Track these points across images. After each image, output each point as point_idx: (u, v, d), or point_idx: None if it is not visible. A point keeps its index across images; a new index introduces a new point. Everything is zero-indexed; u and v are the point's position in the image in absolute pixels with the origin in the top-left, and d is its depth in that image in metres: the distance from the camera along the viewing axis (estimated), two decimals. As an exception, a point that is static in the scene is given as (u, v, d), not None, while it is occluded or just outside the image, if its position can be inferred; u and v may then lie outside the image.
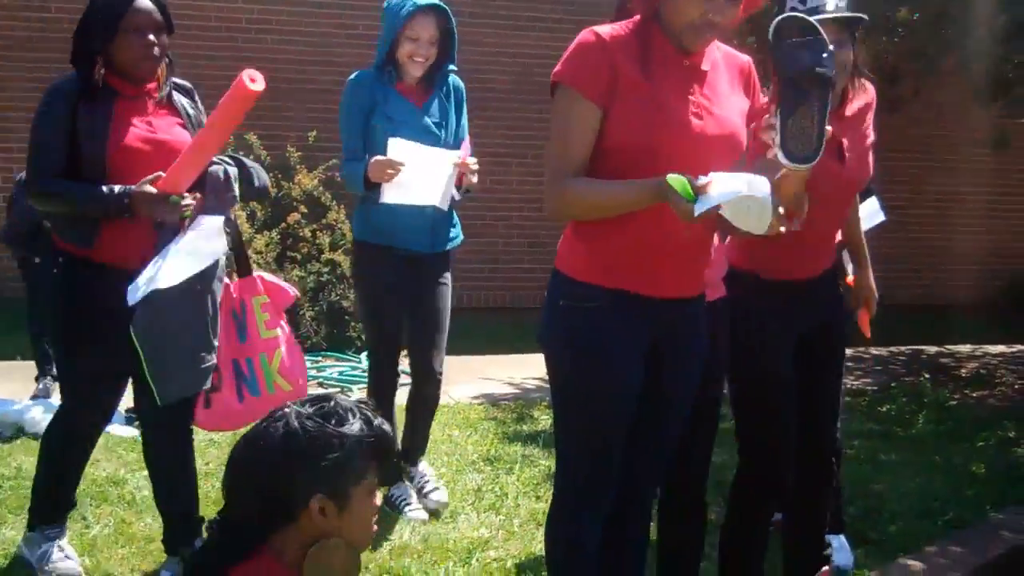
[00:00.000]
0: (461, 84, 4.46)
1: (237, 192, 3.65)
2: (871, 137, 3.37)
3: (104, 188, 3.37)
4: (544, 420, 6.14)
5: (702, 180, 2.40)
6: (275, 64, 9.10)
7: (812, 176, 2.63)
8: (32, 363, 6.33)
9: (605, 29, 2.67)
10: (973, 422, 6.64)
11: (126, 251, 3.45)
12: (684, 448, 3.09)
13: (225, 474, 2.16)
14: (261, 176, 3.80)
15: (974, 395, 7.63)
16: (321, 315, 8.14)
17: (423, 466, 4.64)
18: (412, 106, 4.28)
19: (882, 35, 7.74)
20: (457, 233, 4.55)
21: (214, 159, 3.59)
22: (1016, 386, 8.04)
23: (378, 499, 2.22)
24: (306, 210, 8.57)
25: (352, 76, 4.32)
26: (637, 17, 2.70)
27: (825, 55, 2.51)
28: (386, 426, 2.19)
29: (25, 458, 4.93)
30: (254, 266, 4.75)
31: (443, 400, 6.41)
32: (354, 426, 2.12)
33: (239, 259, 3.89)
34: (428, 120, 4.29)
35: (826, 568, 3.73)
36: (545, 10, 9.82)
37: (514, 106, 9.76)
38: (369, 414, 2.17)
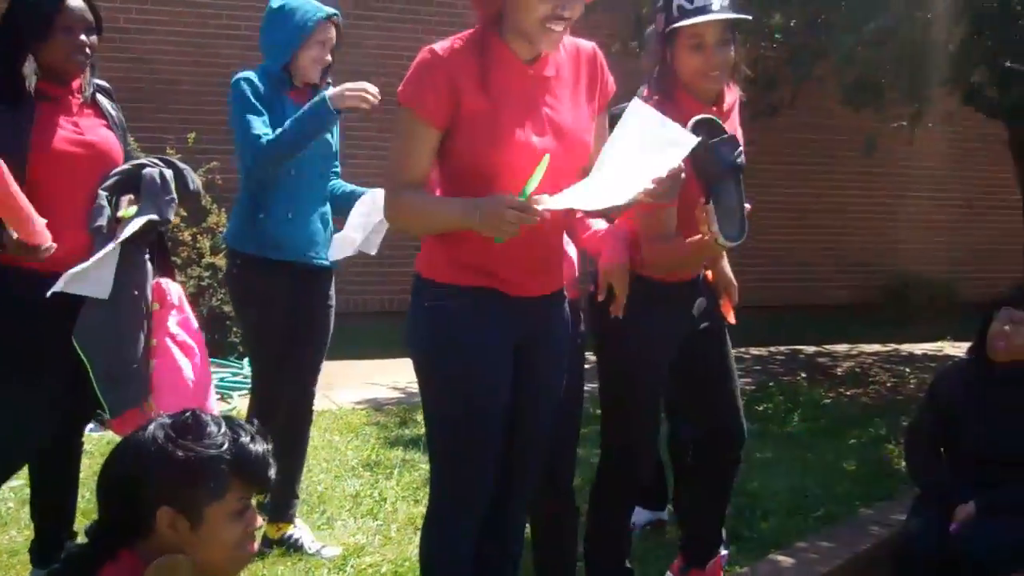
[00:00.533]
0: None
1: (175, 194, 3.54)
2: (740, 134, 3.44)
3: None
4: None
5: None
6: (152, 65, 8.94)
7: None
8: None
9: (444, 45, 2.68)
10: (846, 420, 6.83)
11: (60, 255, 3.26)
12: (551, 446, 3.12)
13: (97, 480, 2.14)
14: (194, 179, 3.68)
15: (848, 393, 7.84)
16: (201, 320, 7.98)
17: (300, 525, 4.20)
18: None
19: (760, 41, 7.92)
20: None
21: (147, 161, 3.53)
22: (888, 384, 8.28)
23: (253, 523, 2.16)
24: (185, 213, 8.42)
25: (244, 73, 4.05)
26: (476, 28, 2.71)
27: (738, 151, 2.99)
28: (255, 445, 2.14)
29: None
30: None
31: (326, 405, 6.39)
32: (213, 442, 2.08)
33: (163, 258, 3.69)
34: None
35: (724, 552, 3.86)
36: (429, 12, 9.80)
37: (395, 107, 9.70)
38: (239, 433, 2.12)
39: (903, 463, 5.45)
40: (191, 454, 2.04)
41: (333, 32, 4.10)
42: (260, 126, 3.91)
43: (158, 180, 3.49)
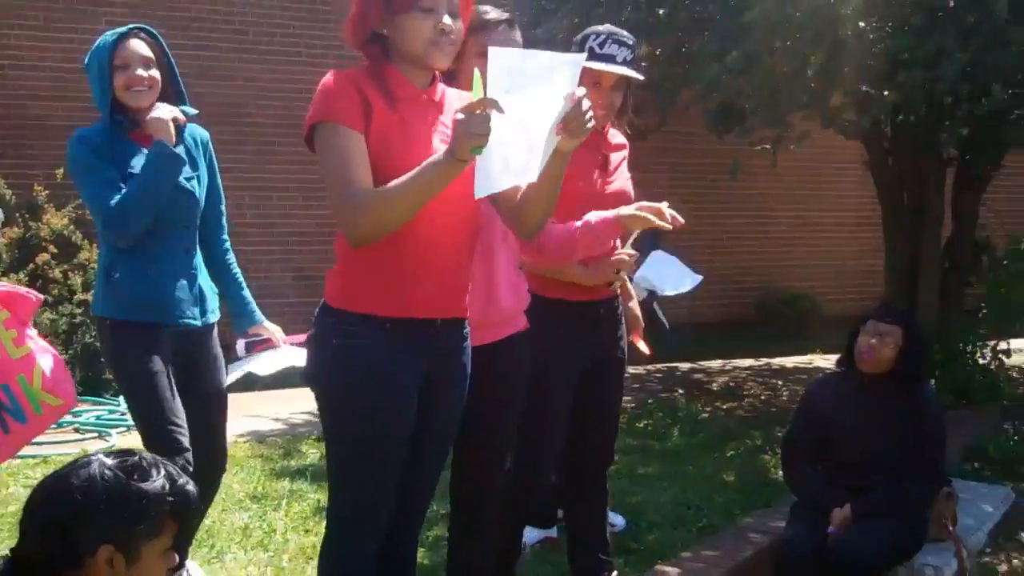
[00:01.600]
0: (205, 133, 3.95)
1: None
2: (627, 177, 3.83)
3: None
4: (312, 454, 6.12)
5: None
6: (19, 99, 8.76)
7: (581, 194, 3.22)
8: None
9: (346, 72, 2.76)
10: (723, 433, 7.04)
11: None
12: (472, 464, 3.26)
13: (23, 511, 2.15)
14: None
15: (724, 408, 8.08)
16: (75, 358, 7.83)
17: (189, 565, 3.99)
18: None
19: (628, 68, 8.14)
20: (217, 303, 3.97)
21: None
22: (762, 397, 8.56)
23: (172, 561, 2.21)
24: (56, 250, 8.24)
25: (79, 131, 3.71)
26: (367, 64, 2.79)
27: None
28: (190, 487, 2.20)
29: None
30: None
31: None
32: (156, 483, 2.13)
33: None
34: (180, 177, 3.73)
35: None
36: (306, 44, 9.80)
37: (274, 140, 9.68)
38: (174, 473, 2.19)
39: (780, 473, 5.67)
40: (141, 495, 2.08)
41: (139, 46, 3.67)
42: (104, 189, 3.59)
43: None
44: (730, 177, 7.32)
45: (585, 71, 3.37)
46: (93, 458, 2.14)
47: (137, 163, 3.64)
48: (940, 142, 7.37)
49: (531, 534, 4.55)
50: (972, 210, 8.54)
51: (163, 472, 2.15)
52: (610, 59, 3.61)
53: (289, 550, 4.46)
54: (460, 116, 2.47)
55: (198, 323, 3.79)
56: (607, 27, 3.76)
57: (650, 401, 8.05)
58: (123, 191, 3.56)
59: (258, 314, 4.05)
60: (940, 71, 5.79)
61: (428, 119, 2.79)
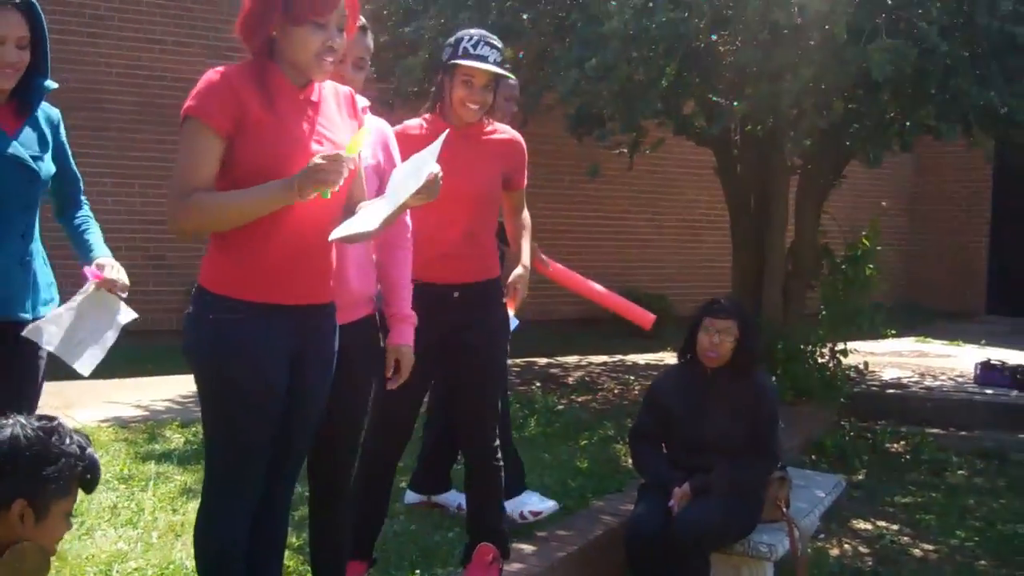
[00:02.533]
0: (58, 114, 3.70)
1: None
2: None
3: None
4: (176, 439, 6.19)
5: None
6: None
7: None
8: None
9: (228, 69, 2.93)
10: (578, 424, 7.34)
11: None
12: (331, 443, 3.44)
13: None
14: None
15: (579, 400, 8.39)
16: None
17: None
18: (3, 134, 3.47)
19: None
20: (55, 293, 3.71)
21: None
22: (616, 391, 8.91)
23: (68, 527, 2.39)
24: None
25: None
26: (250, 59, 2.97)
27: None
28: (95, 455, 2.41)
29: None
30: None
31: (68, 424, 6.33)
32: (71, 447, 2.31)
33: None
34: (22, 151, 3.49)
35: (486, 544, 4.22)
36: (167, 32, 9.77)
37: (136, 126, 9.64)
38: (83, 441, 2.37)
39: (630, 460, 6.00)
40: (60, 455, 2.24)
41: (16, 22, 3.38)
42: None
43: None
44: (588, 178, 7.62)
45: (459, 69, 3.94)
46: (11, 420, 2.29)
47: None
48: (784, 151, 7.81)
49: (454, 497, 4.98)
50: (814, 216, 9.02)
51: (75, 439, 2.34)
52: (482, 59, 3.95)
53: (159, 527, 4.56)
54: (318, 160, 2.75)
55: (28, 316, 3.50)
56: (479, 31, 4.09)
57: (509, 393, 8.28)
58: None
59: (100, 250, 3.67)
60: (784, 85, 6.18)
61: (305, 117, 2.98)
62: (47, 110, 3.64)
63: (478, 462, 4.22)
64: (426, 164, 2.96)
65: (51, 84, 3.58)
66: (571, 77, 6.52)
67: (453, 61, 4.00)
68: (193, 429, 6.28)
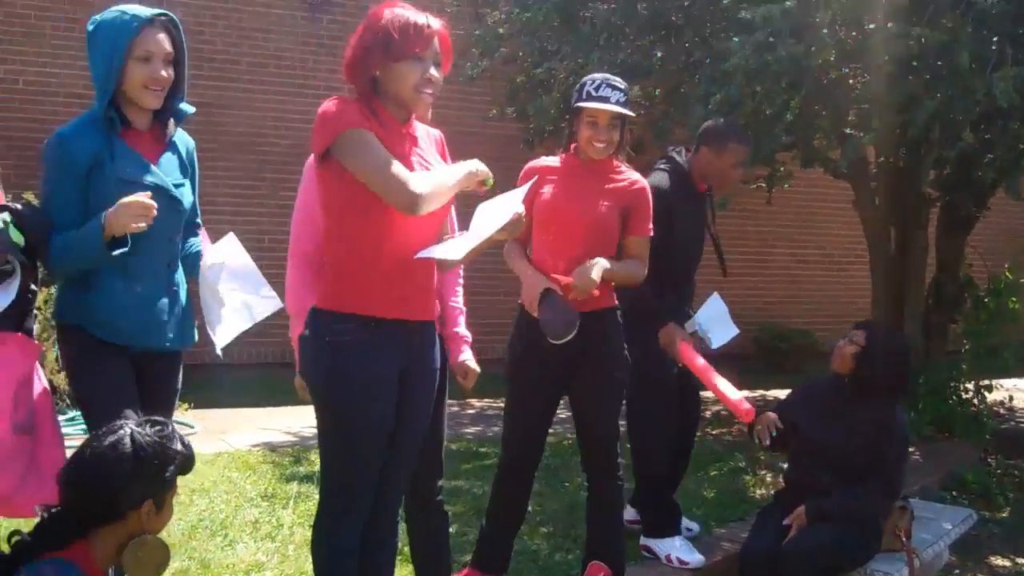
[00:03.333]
0: (192, 142, 3.67)
1: (17, 239, 3.23)
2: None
3: None
4: (318, 462, 6.49)
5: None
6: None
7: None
8: None
9: (343, 100, 3.17)
10: (710, 455, 7.41)
11: None
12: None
13: (68, 473, 2.59)
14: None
15: (714, 432, 8.45)
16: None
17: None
18: (144, 162, 3.40)
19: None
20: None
21: None
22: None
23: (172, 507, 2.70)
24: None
25: (61, 129, 3.36)
26: (357, 97, 3.22)
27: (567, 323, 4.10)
28: (191, 446, 2.69)
29: None
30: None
31: (222, 447, 6.75)
32: (178, 446, 2.63)
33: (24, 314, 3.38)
34: (165, 179, 3.44)
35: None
36: (320, 78, 10.27)
37: (289, 167, 10.12)
38: (182, 435, 2.68)
39: (757, 491, 6.07)
40: (175, 455, 2.60)
41: (164, 40, 3.36)
42: (56, 209, 3.32)
43: None
44: (717, 209, 7.68)
45: (583, 111, 4.25)
46: (125, 428, 2.59)
47: (125, 166, 3.33)
48: (920, 182, 7.75)
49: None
50: (956, 248, 8.89)
51: (178, 434, 2.65)
52: (604, 100, 4.21)
53: (295, 540, 4.88)
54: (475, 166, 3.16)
55: (175, 347, 3.54)
56: (603, 74, 4.39)
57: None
58: (52, 249, 3.27)
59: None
60: (911, 116, 6.19)
61: (407, 150, 3.23)
62: (184, 137, 3.62)
63: (598, 482, 4.40)
64: (513, 204, 3.22)
65: (188, 109, 3.55)
66: (698, 113, 6.65)
67: (578, 104, 4.27)
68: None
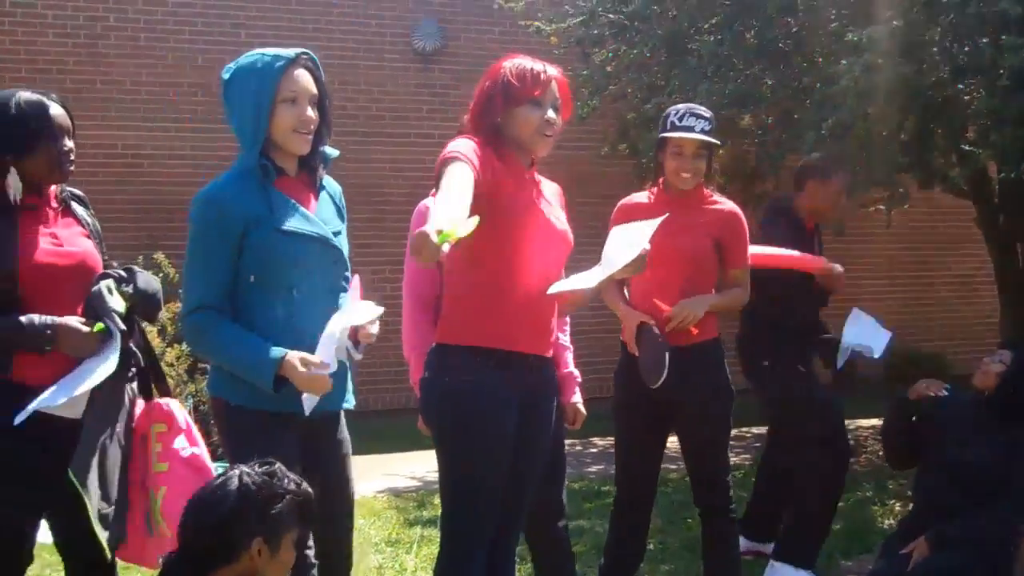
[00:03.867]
0: (339, 188, 3.49)
1: (118, 304, 3.21)
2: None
3: (24, 319, 3.05)
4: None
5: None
6: (174, 183, 9.56)
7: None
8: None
9: (470, 140, 3.22)
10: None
11: (48, 369, 3.11)
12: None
13: (183, 514, 2.69)
14: (148, 281, 3.35)
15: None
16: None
17: None
18: (303, 211, 3.21)
19: (743, 139, 8.53)
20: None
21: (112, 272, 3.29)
22: (880, 454, 8.64)
23: (294, 550, 2.73)
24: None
25: (210, 187, 3.17)
26: (481, 139, 3.27)
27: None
28: (310, 489, 2.73)
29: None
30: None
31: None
32: (289, 485, 2.68)
33: (156, 377, 3.48)
34: (325, 228, 3.24)
35: None
36: (434, 128, 10.45)
37: (407, 216, 10.27)
38: (296, 478, 2.73)
39: (886, 522, 5.91)
40: (287, 493, 2.63)
41: (308, 80, 3.19)
42: (203, 280, 3.11)
43: (97, 293, 3.20)
44: (835, 234, 7.55)
45: (668, 142, 4.22)
46: (234, 472, 2.68)
47: (283, 217, 3.14)
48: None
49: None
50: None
51: (289, 477, 2.70)
52: (689, 129, 4.20)
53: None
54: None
55: (338, 407, 3.32)
56: (686, 104, 4.38)
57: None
58: (207, 330, 3.10)
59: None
60: (1026, 130, 6.00)
61: (530, 192, 3.34)
62: (330, 182, 3.43)
63: (709, 518, 4.35)
64: (641, 239, 3.26)
65: (333, 152, 3.37)
66: (811, 138, 6.57)
67: (662, 135, 4.26)
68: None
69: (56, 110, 3.24)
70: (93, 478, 3.09)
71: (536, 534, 4.10)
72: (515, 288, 3.23)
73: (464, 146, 3.14)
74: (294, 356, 3.02)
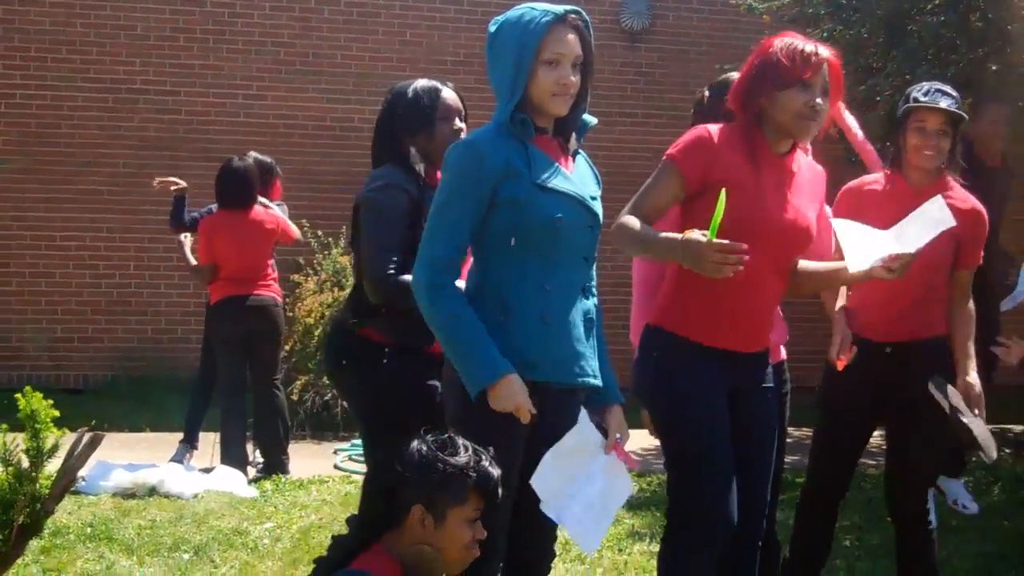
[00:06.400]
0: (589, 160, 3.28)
1: None
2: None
3: None
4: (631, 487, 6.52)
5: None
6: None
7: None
8: (159, 436, 7.36)
9: (715, 129, 3.23)
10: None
11: None
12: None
13: (364, 483, 2.88)
14: None
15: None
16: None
17: None
18: (562, 169, 3.05)
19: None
20: None
21: None
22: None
23: (480, 532, 2.71)
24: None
25: (471, 137, 3.09)
26: (738, 123, 3.27)
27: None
28: (492, 469, 2.69)
29: (158, 512, 5.54)
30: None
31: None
32: (461, 459, 2.66)
33: None
34: (584, 191, 3.09)
35: None
36: (637, 106, 10.37)
37: (610, 196, 10.24)
38: (482, 456, 2.70)
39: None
40: (448, 466, 2.63)
41: (575, 41, 2.98)
42: (440, 246, 2.95)
43: None
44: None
45: (912, 116, 3.91)
46: (418, 439, 2.71)
47: (547, 177, 2.99)
48: None
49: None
50: None
51: (471, 452, 2.68)
52: (932, 104, 3.87)
53: (603, 564, 4.91)
54: (704, 249, 2.89)
55: (591, 383, 3.09)
56: (931, 82, 4.08)
57: (974, 459, 7.87)
58: (458, 300, 2.93)
59: (617, 392, 3.19)
60: None
61: (783, 181, 3.26)
62: (583, 153, 3.26)
63: (904, 528, 4.14)
64: (943, 222, 3.29)
65: (591, 120, 3.17)
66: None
67: (905, 106, 3.95)
68: (648, 479, 6.65)
69: (448, 94, 3.62)
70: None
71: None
72: (734, 282, 2.99)
73: (690, 144, 3.20)
74: (517, 382, 2.85)
